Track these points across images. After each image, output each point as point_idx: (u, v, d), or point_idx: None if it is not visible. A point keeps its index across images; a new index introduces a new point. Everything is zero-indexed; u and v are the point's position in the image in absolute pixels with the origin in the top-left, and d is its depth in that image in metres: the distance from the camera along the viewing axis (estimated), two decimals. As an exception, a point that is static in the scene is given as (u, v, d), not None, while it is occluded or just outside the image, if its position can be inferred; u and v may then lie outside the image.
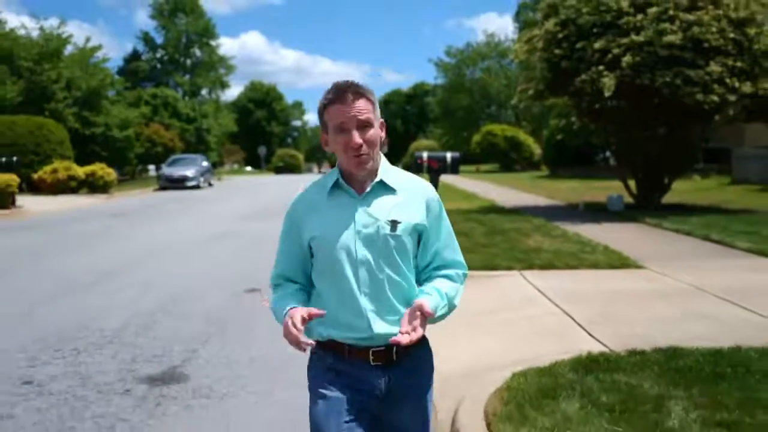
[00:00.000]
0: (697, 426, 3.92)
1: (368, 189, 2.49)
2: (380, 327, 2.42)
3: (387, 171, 2.54)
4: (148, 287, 9.25)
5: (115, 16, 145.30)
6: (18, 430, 4.58)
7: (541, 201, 21.73)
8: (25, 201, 24.22)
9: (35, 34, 39.17)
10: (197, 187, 35.78)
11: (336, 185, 2.50)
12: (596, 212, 17.36)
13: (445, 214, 2.62)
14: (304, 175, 54.23)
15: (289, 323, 2.30)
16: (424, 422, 2.61)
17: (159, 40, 75.90)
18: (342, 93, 2.42)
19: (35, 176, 29.49)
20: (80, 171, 30.48)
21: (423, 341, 2.54)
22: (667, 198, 18.50)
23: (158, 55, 76.91)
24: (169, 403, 5.04)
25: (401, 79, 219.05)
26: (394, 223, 2.46)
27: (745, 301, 7.28)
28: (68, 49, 39.90)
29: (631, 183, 18.80)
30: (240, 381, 5.46)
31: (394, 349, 2.45)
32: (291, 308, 2.39)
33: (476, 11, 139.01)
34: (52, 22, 40.91)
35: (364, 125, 2.42)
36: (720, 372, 4.78)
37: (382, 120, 2.51)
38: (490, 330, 6.76)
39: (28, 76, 36.46)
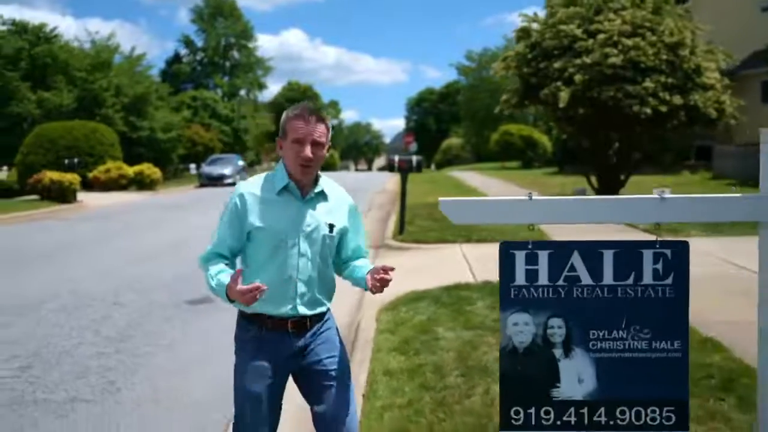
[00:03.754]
0: (482, 308, 7.30)
1: (312, 195, 2.96)
2: (303, 309, 2.96)
3: (325, 182, 3.04)
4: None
5: (156, 16, 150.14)
6: (116, 321, 8.11)
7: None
8: (84, 197, 27.92)
9: (87, 46, 43.53)
10: (233, 184, 38.91)
11: (285, 187, 2.93)
12: (564, 203, 20.42)
13: (361, 217, 3.21)
14: (339, 173, 57.00)
15: (239, 289, 2.70)
16: (341, 360, 3.09)
17: (199, 43, 79.40)
18: (308, 114, 2.88)
19: (90, 175, 33.24)
20: (130, 170, 34.32)
21: (329, 316, 3.15)
22: (634, 191, 21.52)
23: (198, 58, 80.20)
24: (203, 311, 8.55)
25: (440, 76, 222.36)
26: (331, 226, 2.97)
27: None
28: (116, 58, 44.05)
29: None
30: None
31: (308, 320, 2.99)
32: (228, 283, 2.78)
33: (517, 6, 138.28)
34: (102, 33, 45.20)
35: (317, 144, 2.88)
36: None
37: (330, 144, 3.00)
38: (415, 276, 10.13)
39: (82, 85, 40.57)
